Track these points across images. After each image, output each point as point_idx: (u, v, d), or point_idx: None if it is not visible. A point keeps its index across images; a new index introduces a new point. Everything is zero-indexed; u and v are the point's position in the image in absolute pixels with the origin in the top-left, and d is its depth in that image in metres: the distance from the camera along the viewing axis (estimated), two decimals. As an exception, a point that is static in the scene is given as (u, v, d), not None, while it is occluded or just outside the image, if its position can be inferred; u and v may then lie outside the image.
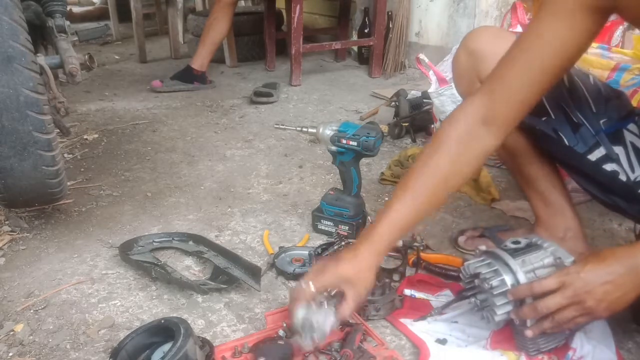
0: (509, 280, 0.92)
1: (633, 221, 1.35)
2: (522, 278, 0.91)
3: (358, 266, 0.95)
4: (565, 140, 1.09)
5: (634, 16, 0.87)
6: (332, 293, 0.97)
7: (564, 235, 1.22)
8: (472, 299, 0.98)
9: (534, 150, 1.20)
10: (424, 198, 0.97)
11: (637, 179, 1.06)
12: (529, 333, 0.92)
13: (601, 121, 1.09)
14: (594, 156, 1.07)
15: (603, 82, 1.18)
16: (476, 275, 0.96)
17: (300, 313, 0.94)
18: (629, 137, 1.08)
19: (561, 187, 1.22)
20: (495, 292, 0.92)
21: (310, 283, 0.94)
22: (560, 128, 1.09)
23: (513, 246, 0.98)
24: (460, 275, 1.01)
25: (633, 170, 1.06)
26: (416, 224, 1.01)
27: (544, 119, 1.09)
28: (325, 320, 0.94)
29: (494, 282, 0.93)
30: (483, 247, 1.01)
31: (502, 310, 0.93)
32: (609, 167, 1.07)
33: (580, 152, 1.08)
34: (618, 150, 1.07)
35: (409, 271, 1.29)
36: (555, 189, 1.22)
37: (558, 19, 0.87)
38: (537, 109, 1.02)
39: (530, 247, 0.96)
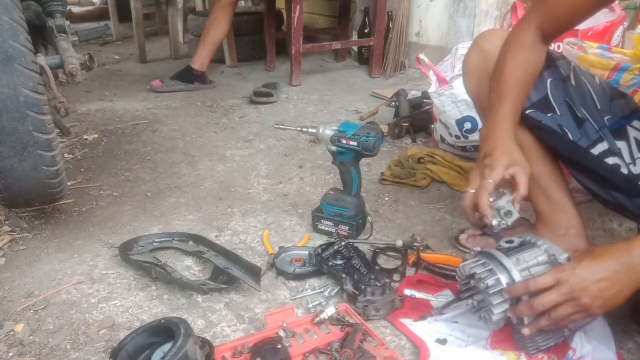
0: (504, 279, 0.93)
1: (634, 221, 1.36)
2: (517, 276, 0.92)
3: (508, 149, 1.02)
4: (570, 135, 1.11)
5: None
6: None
7: (566, 232, 1.22)
8: (470, 300, 0.98)
9: (539, 148, 1.21)
10: (522, 88, 1.07)
11: (638, 172, 1.08)
12: (525, 331, 0.92)
13: (605, 118, 1.12)
14: (596, 150, 1.10)
15: (607, 82, 1.20)
16: (471, 276, 0.97)
17: (493, 203, 0.99)
18: (632, 133, 1.11)
19: (564, 185, 1.23)
20: (490, 292, 0.93)
21: (491, 180, 0.98)
22: (565, 123, 1.11)
23: (507, 245, 0.98)
24: (457, 276, 1.02)
25: (635, 164, 1.08)
26: (519, 113, 1.09)
27: (549, 115, 1.13)
28: (512, 204, 0.99)
29: (489, 282, 0.93)
30: (477, 248, 1.01)
31: (498, 309, 0.93)
32: (610, 160, 1.09)
33: (583, 147, 1.11)
34: (621, 144, 1.10)
35: (409, 271, 1.30)
36: (559, 186, 1.22)
37: None
38: (544, 105, 1.10)
39: (524, 246, 0.97)
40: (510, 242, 0.99)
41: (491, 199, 0.99)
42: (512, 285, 0.92)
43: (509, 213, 0.98)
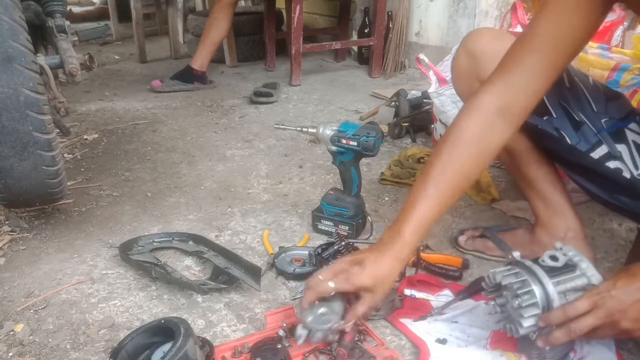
0: (538, 293, 0.88)
1: (634, 221, 1.36)
2: (554, 296, 0.87)
3: (381, 274, 0.95)
4: (568, 139, 1.09)
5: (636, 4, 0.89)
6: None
7: (565, 235, 1.21)
8: (491, 302, 0.96)
9: (534, 151, 1.20)
10: (448, 195, 0.96)
11: None
12: (547, 342, 0.88)
13: (602, 120, 1.09)
14: (596, 154, 1.08)
15: (602, 83, 1.19)
16: (500, 285, 0.92)
17: (312, 307, 0.96)
18: (631, 136, 1.09)
19: (561, 187, 1.22)
20: (523, 305, 0.88)
21: (332, 283, 0.94)
22: (562, 127, 1.09)
23: (551, 264, 0.91)
24: (483, 283, 0.97)
25: (637, 167, 1.07)
26: (437, 221, 0.99)
27: (545, 118, 1.10)
28: (332, 317, 0.96)
29: (523, 295, 0.88)
30: (517, 254, 0.93)
31: (528, 323, 0.88)
32: (612, 164, 1.07)
33: (582, 151, 1.08)
34: (621, 148, 1.08)
35: (409, 271, 1.29)
36: (556, 189, 1.22)
37: (566, 8, 0.89)
38: (538, 108, 1.02)
39: (567, 267, 0.91)
40: (555, 259, 0.91)
41: (320, 310, 0.96)
42: (549, 313, 0.87)
43: (315, 333, 0.96)
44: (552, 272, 0.90)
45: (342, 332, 1.01)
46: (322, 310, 0.98)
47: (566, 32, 0.91)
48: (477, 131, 0.96)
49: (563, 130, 1.09)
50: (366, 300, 0.95)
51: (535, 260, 0.92)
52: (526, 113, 0.97)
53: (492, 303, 0.96)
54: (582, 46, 0.95)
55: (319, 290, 0.95)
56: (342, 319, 0.98)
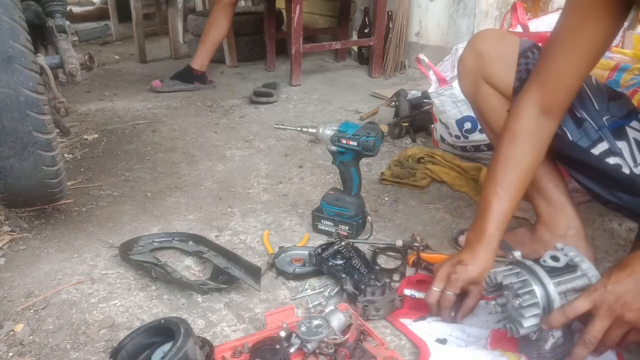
0: (538, 293, 0.88)
1: (634, 221, 1.36)
2: (553, 292, 0.87)
3: (481, 266, 1.05)
4: (569, 135, 1.11)
5: None
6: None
7: (565, 233, 1.22)
8: (492, 302, 0.95)
9: None
10: (516, 191, 1.07)
11: None
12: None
13: (604, 118, 1.11)
14: (597, 150, 1.10)
15: (604, 83, 1.20)
16: (501, 284, 0.92)
17: (310, 318, 1.03)
18: (631, 133, 1.11)
19: (563, 186, 1.23)
20: (524, 305, 0.88)
21: (450, 292, 1.04)
22: (565, 123, 1.11)
23: (552, 264, 0.91)
24: (484, 283, 0.97)
25: (636, 163, 1.08)
26: (512, 214, 1.09)
27: None
28: (324, 330, 1.01)
29: (524, 295, 0.88)
30: (518, 254, 0.94)
31: (529, 323, 0.88)
32: (612, 160, 1.09)
33: (583, 147, 1.11)
34: (621, 145, 1.10)
35: (409, 271, 1.30)
36: (557, 187, 1.22)
37: (593, 10, 0.96)
38: None
39: (568, 268, 0.91)
40: (556, 259, 0.92)
41: (315, 322, 1.02)
42: (550, 316, 0.87)
43: (307, 343, 0.99)
44: (553, 272, 0.90)
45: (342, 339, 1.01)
46: (317, 322, 1.01)
47: (591, 37, 0.98)
48: (527, 132, 1.07)
49: (565, 127, 1.11)
50: (475, 292, 1.05)
51: (536, 261, 0.92)
52: (565, 107, 1.07)
53: (493, 303, 0.96)
54: (609, 43, 1.01)
55: (444, 305, 1.05)
56: (335, 333, 1.01)
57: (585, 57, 1.00)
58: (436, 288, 1.06)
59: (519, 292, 0.89)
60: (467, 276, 1.04)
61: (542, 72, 1.05)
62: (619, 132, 1.11)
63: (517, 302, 0.89)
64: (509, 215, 1.07)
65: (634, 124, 1.12)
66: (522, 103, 1.07)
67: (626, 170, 1.08)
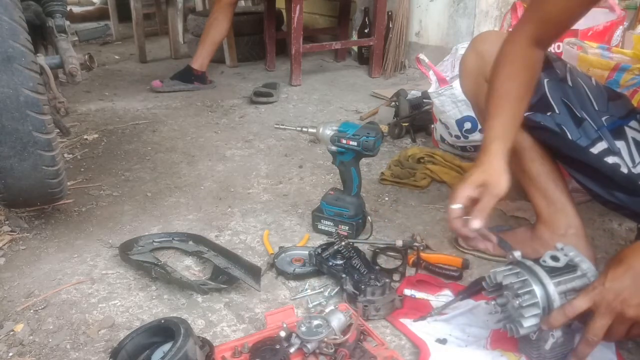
0: (538, 293, 0.88)
1: (634, 221, 1.36)
2: (553, 292, 0.87)
3: (490, 168, 1.01)
4: (569, 134, 1.12)
5: None
6: None
7: (565, 232, 1.22)
8: (492, 302, 0.95)
9: (537, 148, 1.21)
10: (516, 102, 1.07)
11: (639, 171, 1.08)
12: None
13: (603, 118, 1.12)
14: (596, 149, 1.10)
15: (604, 84, 1.21)
16: (500, 284, 0.92)
17: (310, 318, 1.02)
18: (630, 133, 1.12)
19: (563, 185, 1.23)
20: (524, 305, 0.88)
21: (454, 205, 0.99)
22: (564, 122, 1.12)
23: (552, 264, 0.91)
24: (484, 283, 0.97)
25: (634, 162, 1.09)
26: (517, 128, 1.09)
27: (548, 114, 1.13)
28: (324, 330, 1.00)
29: (524, 295, 0.88)
30: (518, 253, 0.94)
31: (529, 323, 0.88)
32: (610, 159, 1.10)
33: (582, 146, 1.11)
34: (620, 144, 1.10)
35: (409, 271, 1.30)
36: (557, 186, 1.22)
37: None
38: (542, 105, 1.10)
39: (568, 268, 0.91)
40: (556, 259, 0.91)
41: (315, 322, 1.02)
42: (550, 316, 0.87)
43: (307, 343, 0.99)
44: (552, 272, 0.90)
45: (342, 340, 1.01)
46: (317, 322, 1.01)
47: None
48: (520, 55, 1.07)
49: (564, 126, 1.12)
50: (485, 194, 0.98)
51: (536, 261, 0.92)
52: (553, 40, 1.11)
53: (493, 303, 0.96)
54: None
55: (453, 216, 1.00)
56: (335, 333, 1.00)
57: None
58: (454, 206, 1.00)
59: (519, 292, 0.89)
60: (474, 179, 1.00)
61: (536, 8, 1.06)
62: (617, 132, 1.11)
63: (517, 302, 0.89)
64: (515, 127, 1.06)
65: (632, 123, 1.12)
66: (518, 34, 1.08)
67: (624, 170, 1.09)
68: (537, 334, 0.91)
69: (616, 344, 1.00)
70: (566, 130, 1.12)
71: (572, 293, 0.89)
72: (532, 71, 1.09)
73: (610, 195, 1.12)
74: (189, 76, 2.99)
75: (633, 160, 1.09)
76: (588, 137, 1.11)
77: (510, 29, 1.93)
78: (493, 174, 1.00)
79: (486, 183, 0.99)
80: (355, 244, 1.31)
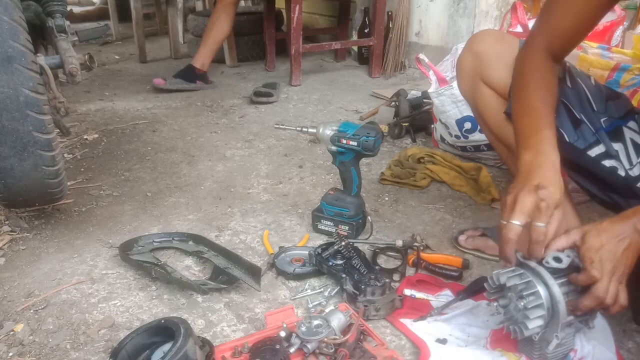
0: (543, 294, 0.88)
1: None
2: (557, 293, 0.87)
3: (559, 187, 0.93)
4: (566, 137, 1.11)
5: None
6: None
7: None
8: (494, 303, 0.95)
9: None
10: (549, 107, 1.03)
11: (636, 174, 1.07)
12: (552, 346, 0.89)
13: (602, 119, 1.11)
14: (593, 152, 1.09)
15: (603, 84, 1.20)
16: (503, 286, 0.92)
17: (310, 319, 1.02)
18: (628, 134, 1.11)
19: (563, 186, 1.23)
20: (529, 306, 0.87)
21: (542, 224, 0.90)
22: (562, 124, 1.11)
23: (555, 265, 0.90)
24: (486, 284, 0.96)
25: (631, 164, 1.08)
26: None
27: None
28: (324, 330, 1.01)
29: (529, 297, 0.88)
30: (520, 255, 0.92)
31: (534, 324, 0.88)
32: (607, 163, 1.09)
33: (580, 148, 1.10)
34: (617, 147, 1.09)
35: (409, 271, 1.30)
36: None
37: None
38: None
39: (571, 269, 0.90)
40: (559, 260, 0.90)
41: (315, 322, 1.02)
42: (580, 302, 0.87)
43: (307, 343, 0.99)
44: (556, 273, 0.89)
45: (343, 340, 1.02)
46: (317, 322, 1.01)
47: None
48: (540, 67, 1.06)
49: (562, 128, 1.11)
50: (557, 216, 0.92)
51: (539, 262, 0.92)
52: (567, 52, 1.09)
53: (495, 304, 0.95)
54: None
55: (539, 240, 0.90)
56: (335, 333, 1.01)
57: (587, 7, 1.00)
58: (517, 221, 0.88)
59: (523, 293, 0.88)
60: (555, 200, 0.90)
61: (546, 22, 1.06)
62: (615, 133, 1.10)
63: (522, 303, 0.88)
64: (556, 134, 0.99)
65: (631, 124, 1.11)
66: (532, 49, 1.08)
67: (621, 173, 1.08)
68: (540, 335, 0.91)
69: (616, 344, 1.00)
70: (563, 132, 1.10)
71: (576, 294, 0.89)
72: (555, 84, 1.07)
73: (608, 196, 1.11)
74: (191, 75, 2.99)
75: (630, 162, 1.08)
76: (585, 139, 1.09)
77: (510, 29, 1.93)
78: (562, 191, 0.93)
79: (560, 203, 0.92)
80: (355, 244, 1.31)
